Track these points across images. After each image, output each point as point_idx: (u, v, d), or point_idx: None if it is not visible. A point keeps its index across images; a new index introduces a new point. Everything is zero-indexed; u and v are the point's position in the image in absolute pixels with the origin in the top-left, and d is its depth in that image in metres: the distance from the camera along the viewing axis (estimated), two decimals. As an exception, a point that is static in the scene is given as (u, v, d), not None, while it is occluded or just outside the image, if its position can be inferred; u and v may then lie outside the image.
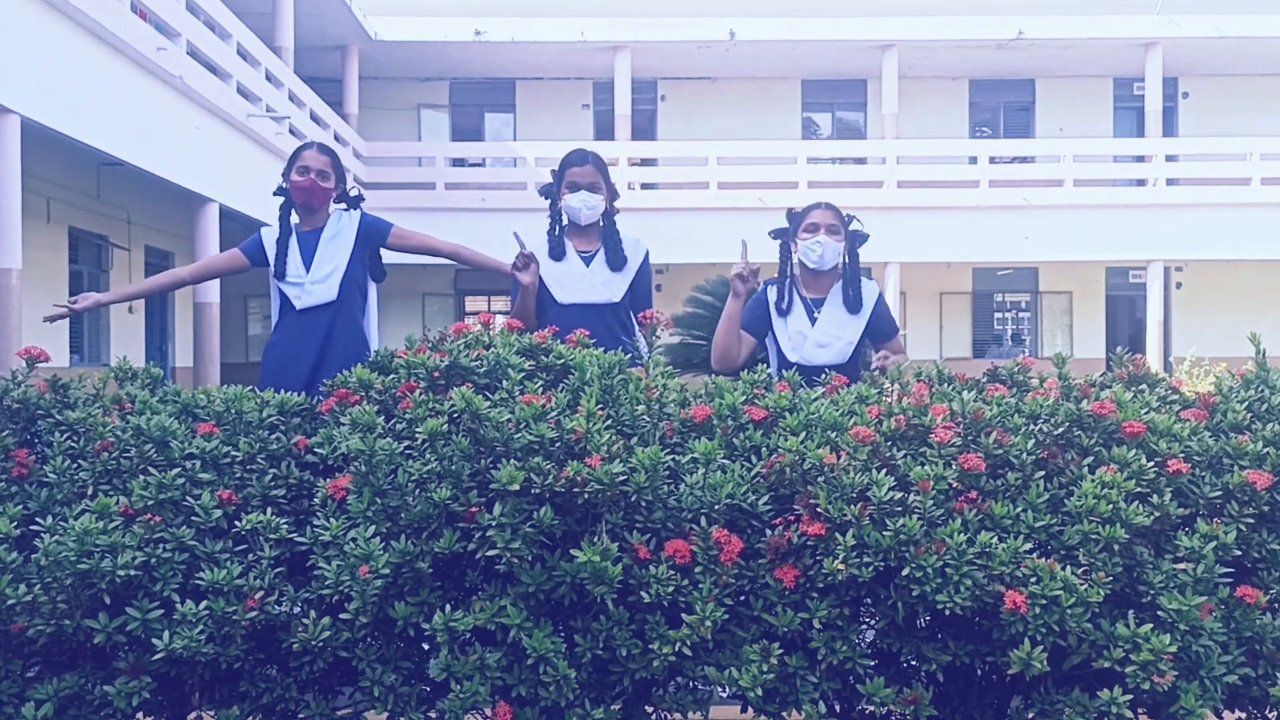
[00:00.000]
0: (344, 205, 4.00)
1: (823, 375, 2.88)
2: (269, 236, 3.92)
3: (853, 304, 3.65)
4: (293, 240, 3.88)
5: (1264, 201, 17.99)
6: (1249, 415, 2.62)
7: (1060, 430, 2.47)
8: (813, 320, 3.64)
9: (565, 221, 3.85)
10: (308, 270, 3.84)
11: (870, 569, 2.23)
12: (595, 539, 2.21)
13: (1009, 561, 2.21)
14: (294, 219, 3.94)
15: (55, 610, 2.23)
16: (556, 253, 3.77)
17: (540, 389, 2.45)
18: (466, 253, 4.11)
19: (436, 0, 21.82)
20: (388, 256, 4.03)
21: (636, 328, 3.76)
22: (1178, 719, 2.22)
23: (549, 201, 3.85)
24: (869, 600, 2.38)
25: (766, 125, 20.87)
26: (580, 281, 3.74)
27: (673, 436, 2.55)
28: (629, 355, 2.62)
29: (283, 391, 2.79)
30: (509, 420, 2.29)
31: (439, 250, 4.09)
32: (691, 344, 8.38)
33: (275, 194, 3.93)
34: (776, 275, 3.74)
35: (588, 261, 3.78)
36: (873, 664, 2.35)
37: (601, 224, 3.83)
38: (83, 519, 2.23)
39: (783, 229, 3.75)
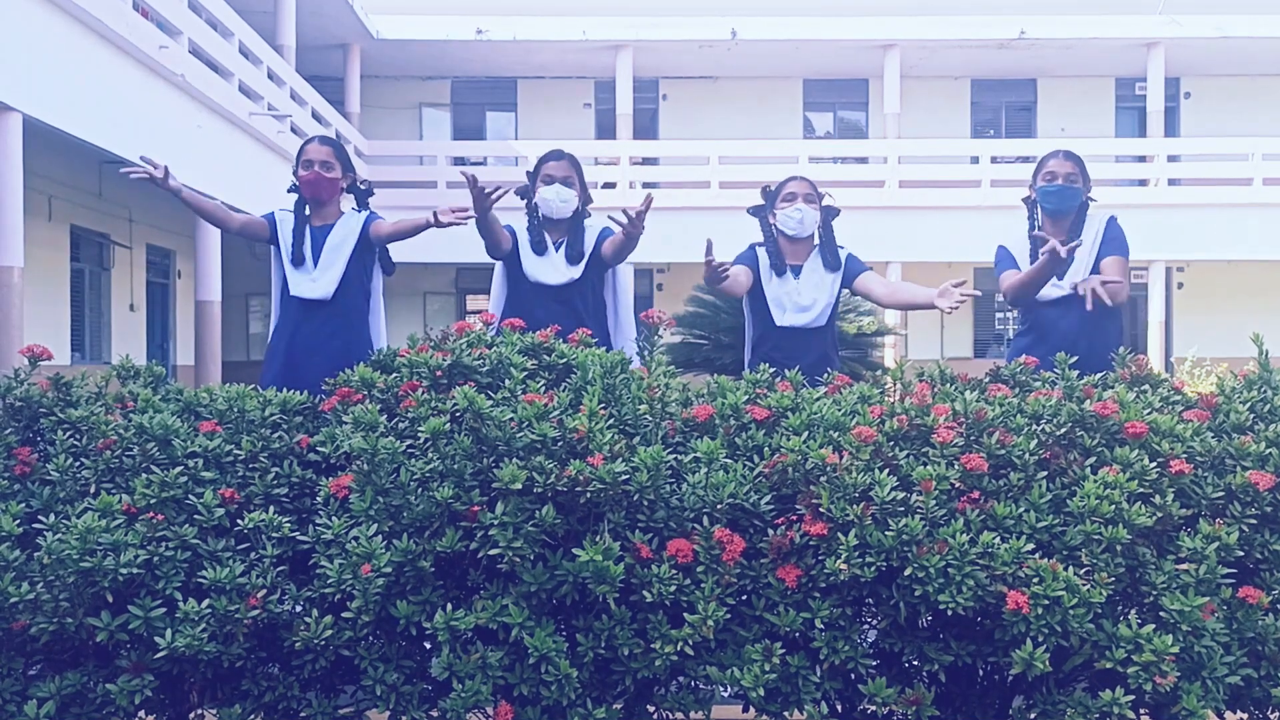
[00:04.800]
0: (354, 203, 4.06)
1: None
2: (283, 222, 4.01)
3: (831, 263, 3.86)
4: (307, 231, 3.97)
5: (1266, 202, 17.96)
6: (1251, 416, 2.62)
7: (1063, 430, 2.46)
8: (797, 281, 3.83)
9: (541, 216, 4.02)
10: (315, 265, 3.93)
11: (872, 569, 2.23)
12: (597, 538, 2.21)
13: (1011, 562, 2.21)
14: (307, 211, 4.02)
15: (58, 608, 2.23)
16: (539, 248, 3.97)
17: (543, 388, 2.45)
18: (401, 228, 3.93)
19: (438, -1, 21.80)
20: (395, 250, 4.07)
21: (609, 298, 4.06)
22: (1180, 719, 2.22)
23: (525, 200, 4.04)
24: (871, 600, 2.38)
25: (768, 124, 20.85)
26: (545, 266, 3.97)
27: (675, 436, 2.55)
28: (599, 341, 2.69)
29: (285, 388, 2.79)
30: (511, 419, 2.29)
31: (388, 234, 3.94)
32: (693, 343, 8.39)
33: (289, 191, 3.98)
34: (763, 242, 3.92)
35: (557, 248, 4.00)
36: (875, 664, 2.35)
37: (570, 222, 4.00)
38: (85, 517, 2.23)
39: (760, 206, 3.94)
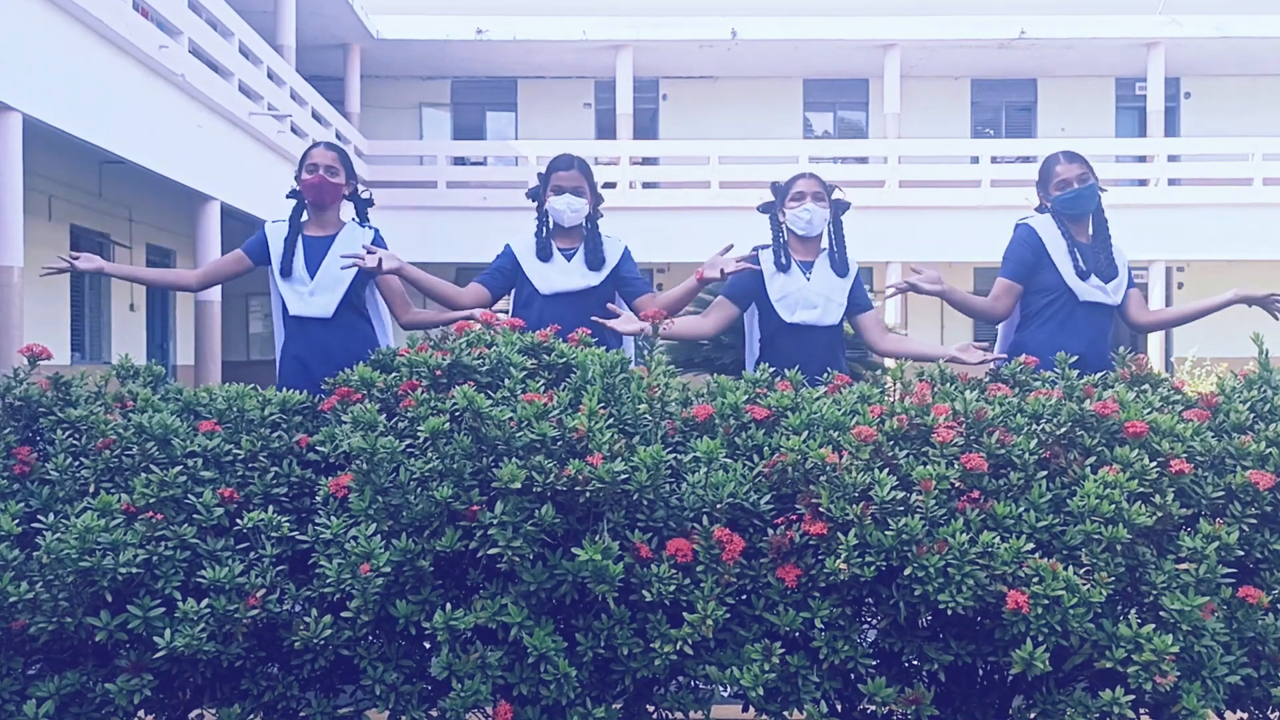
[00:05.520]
0: (355, 216, 4.00)
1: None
2: (274, 234, 3.91)
3: (840, 267, 3.80)
4: (300, 241, 3.87)
5: (1266, 202, 17.96)
6: (1251, 415, 2.62)
7: (1063, 430, 2.46)
8: (808, 279, 3.76)
9: (551, 224, 3.94)
10: (311, 278, 3.82)
11: (872, 568, 2.22)
12: (597, 538, 2.21)
13: (1011, 561, 2.20)
14: (303, 218, 3.94)
15: (57, 608, 2.23)
16: (544, 254, 3.89)
17: (542, 388, 2.45)
18: (417, 318, 3.96)
19: (438, -1, 21.80)
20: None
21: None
22: (1180, 719, 2.22)
23: (536, 204, 3.96)
24: (871, 600, 2.37)
25: (768, 124, 20.84)
26: (560, 275, 3.87)
27: (675, 435, 2.54)
28: (613, 349, 2.65)
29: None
30: (511, 419, 2.29)
31: (394, 309, 3.98)
32: (693, 343, 8.38)
33: (288, 196, 3.94)
34: (771, 243, 3.85)
35: (569, 257, 3.90)
36: (874, 663, 2.35)
37: (585, 228, 3.93)
38: (84, 516, 2.23)
39: (770, 203, 3.88)
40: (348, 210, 4.04)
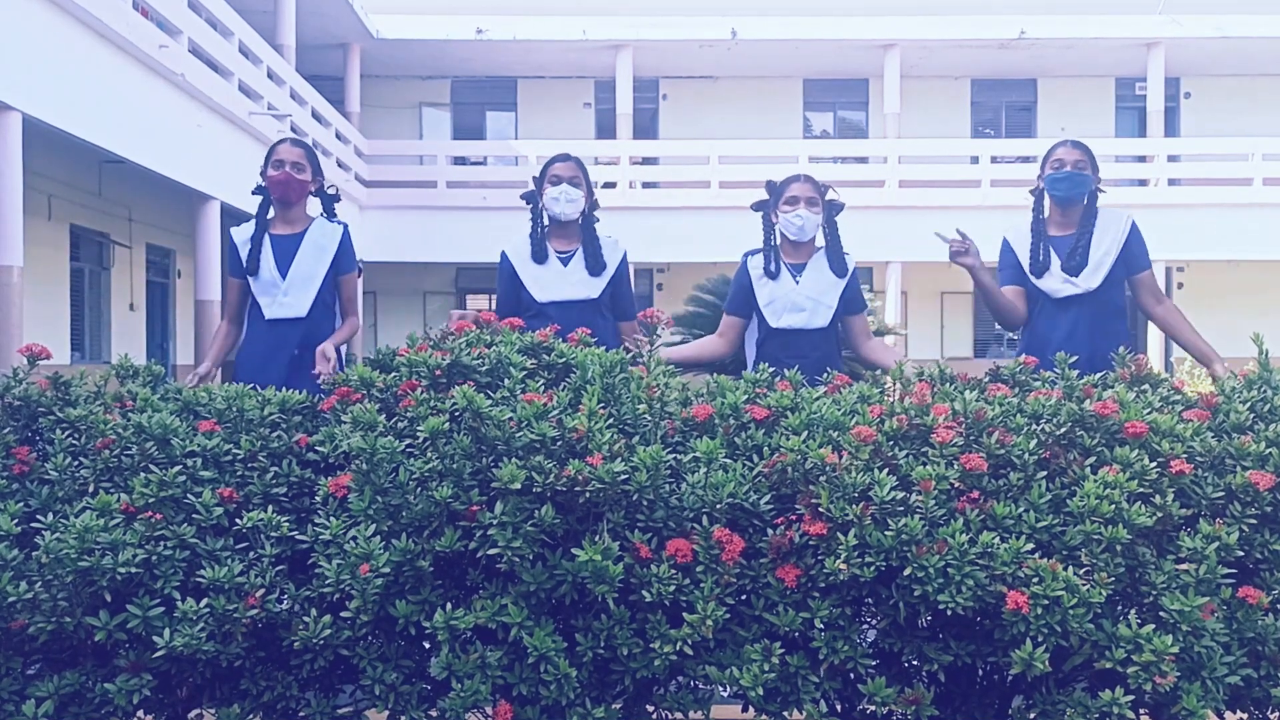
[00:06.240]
0: (322, 211, 3.97)
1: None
2: (241, 236, 3.88)
3: (838, 268, 3.80)
4: (266, 239, 3.84)
5: (1265, 202, 17.98)
6: (1251, 416, 2.62)
7: (1062, 430, 2.46)
8: (796, 283, 3.77)
9: (547, 224, 3.93)
10: (283, 277, 3.80)
11: (872, 569, 2.22)
12: (597, 538, 2.20)
13: (1011, 562, 2.20)
14: (269, 217, 3.91)
15: (56, 608, 2.23)
16: (539, 255, 3.85)
17: (542, 388, 2.45)
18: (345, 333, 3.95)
19: (438, -2, 21.81)
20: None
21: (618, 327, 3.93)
22: (1179, 719, 2.22)
23: (531, 205, 3.94)
24: (870, 600, 2.37)
25: (768, 124, 20.87)
26: (558, 281, 3.82)
27: (674, 435, 2.54)
28: (612, 349, 2.65)
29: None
30: (510, 419, 2.29)
31: (344, 310, 3.97)
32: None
33: (254, 193, 3.91)
34: (762, 245, 3.86)
35: (565, 262, 3.85)
36: (874, 664, 2.34)
37: (581, 227, 3.90)
38: (84, 516, 2.23)
39: (763, 201, 3.89)
40: (314, 204, 4.00)
